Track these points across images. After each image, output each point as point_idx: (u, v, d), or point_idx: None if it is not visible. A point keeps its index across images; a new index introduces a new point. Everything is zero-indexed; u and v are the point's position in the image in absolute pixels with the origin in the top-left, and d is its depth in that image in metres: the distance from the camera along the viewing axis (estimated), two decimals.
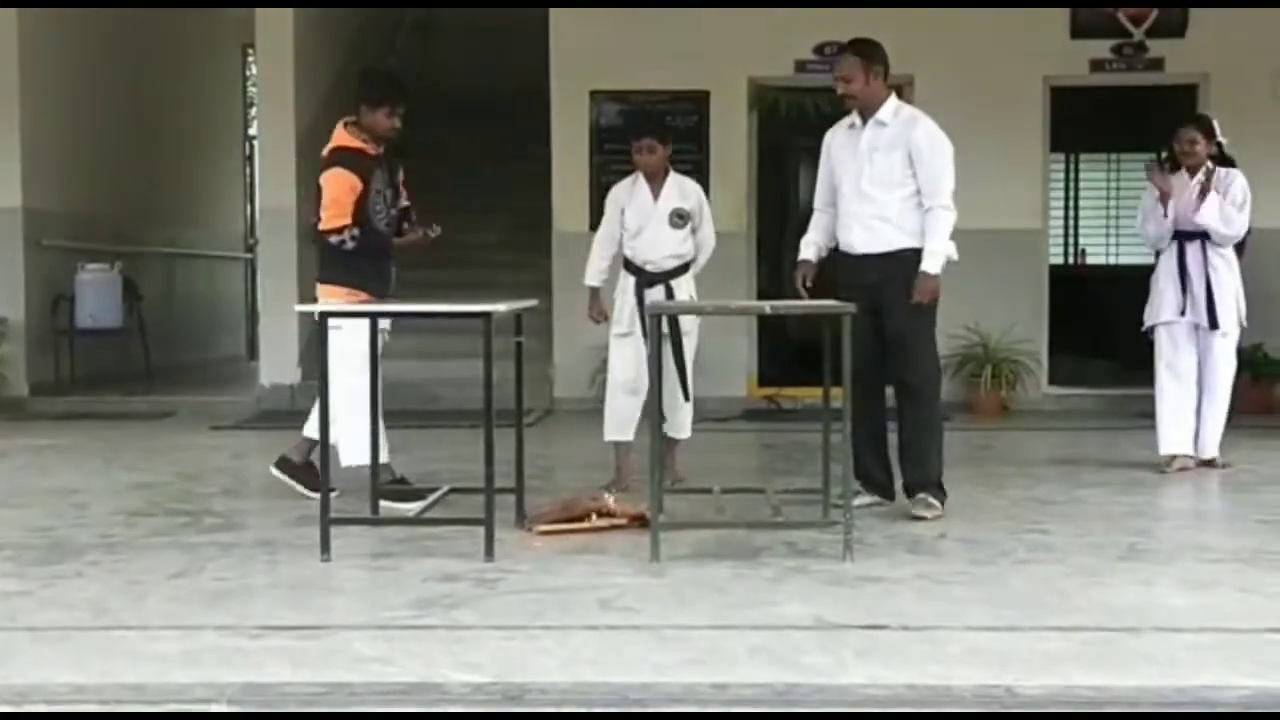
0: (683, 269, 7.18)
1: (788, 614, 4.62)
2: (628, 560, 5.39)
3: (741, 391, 11.29)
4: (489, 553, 5.42)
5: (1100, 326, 12.64)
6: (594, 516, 6.02)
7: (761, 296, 11.43)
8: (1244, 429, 8.84)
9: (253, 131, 15.74)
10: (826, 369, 5.98)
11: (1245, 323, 7.83)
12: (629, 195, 7.19)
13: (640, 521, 5.83)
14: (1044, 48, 11.05)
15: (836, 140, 6.58)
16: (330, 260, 6.72)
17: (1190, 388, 7.75)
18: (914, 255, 6.29)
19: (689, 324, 7.13)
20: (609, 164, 11.16)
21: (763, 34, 11.02)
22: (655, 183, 7.16)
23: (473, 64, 14.00)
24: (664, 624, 4.47)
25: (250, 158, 16.20)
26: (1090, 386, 11.42)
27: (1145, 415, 9.49)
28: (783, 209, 12.79)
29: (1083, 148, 14.88)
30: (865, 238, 6.37)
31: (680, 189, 7.21)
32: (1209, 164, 7.73)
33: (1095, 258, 15.75)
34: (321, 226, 6.61)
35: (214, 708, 3.66)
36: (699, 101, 11.22)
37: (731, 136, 11.21)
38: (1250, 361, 10.67)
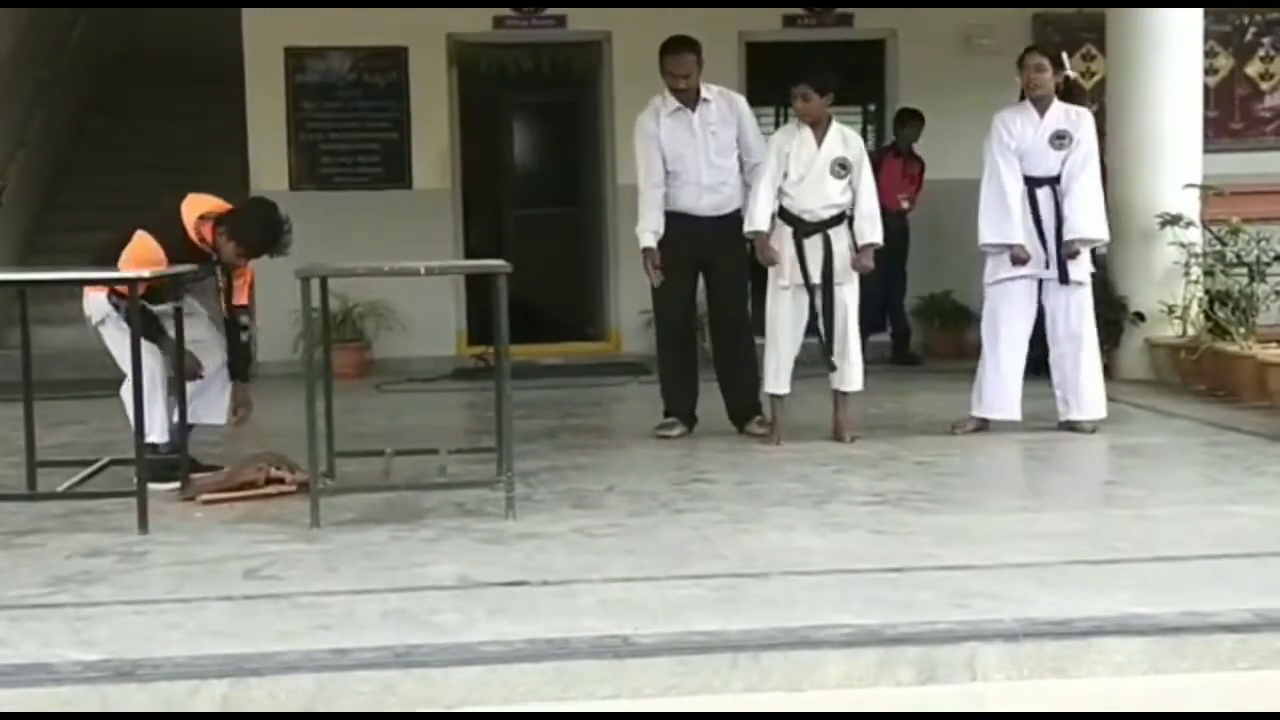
0: (839, 219, 7.00)
1: (433, 574, 4.63)
2: (287, 528, 5.35)
3: (452, 350, 11.28)
4: (143, 525, 5.31)
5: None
6: (263, 483, 5.97)
7: (471, 254, 11.39)
8: (938, 372, 9.30)
9: None
10: (497, 327, 5.94)
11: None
12: (790, 141, 7.01)
13: (308, 487, 5.78)
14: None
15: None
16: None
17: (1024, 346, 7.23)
18: None
19: (844, 275, 6.98)
20: (307, 121, 11.01)
21: None
22: (818, 130, 6.99)
23: (173, 22, 13.63)
24: (303, 591, 4.43)
25: None
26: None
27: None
28: (490, 166, 12.77)
29: (783, 103, 15.13)
30: None
31: (843, 137, 7.03)
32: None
33: None
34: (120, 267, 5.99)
35: None
36: (397, 57, 11.10)
37: (431, 93, 11.10)
38: (940, 309, 11.16)
